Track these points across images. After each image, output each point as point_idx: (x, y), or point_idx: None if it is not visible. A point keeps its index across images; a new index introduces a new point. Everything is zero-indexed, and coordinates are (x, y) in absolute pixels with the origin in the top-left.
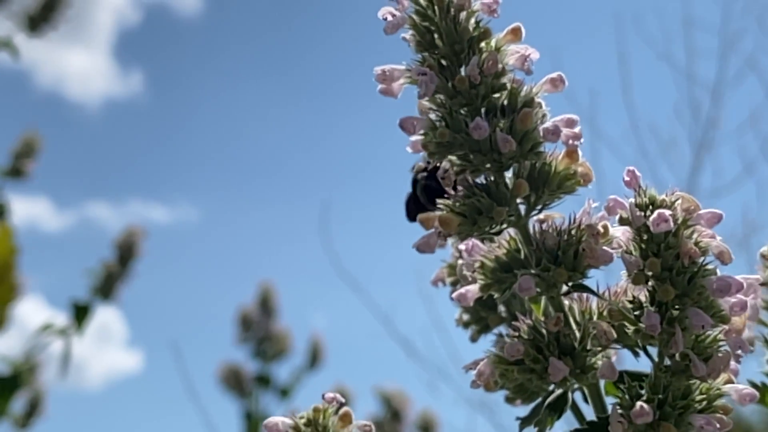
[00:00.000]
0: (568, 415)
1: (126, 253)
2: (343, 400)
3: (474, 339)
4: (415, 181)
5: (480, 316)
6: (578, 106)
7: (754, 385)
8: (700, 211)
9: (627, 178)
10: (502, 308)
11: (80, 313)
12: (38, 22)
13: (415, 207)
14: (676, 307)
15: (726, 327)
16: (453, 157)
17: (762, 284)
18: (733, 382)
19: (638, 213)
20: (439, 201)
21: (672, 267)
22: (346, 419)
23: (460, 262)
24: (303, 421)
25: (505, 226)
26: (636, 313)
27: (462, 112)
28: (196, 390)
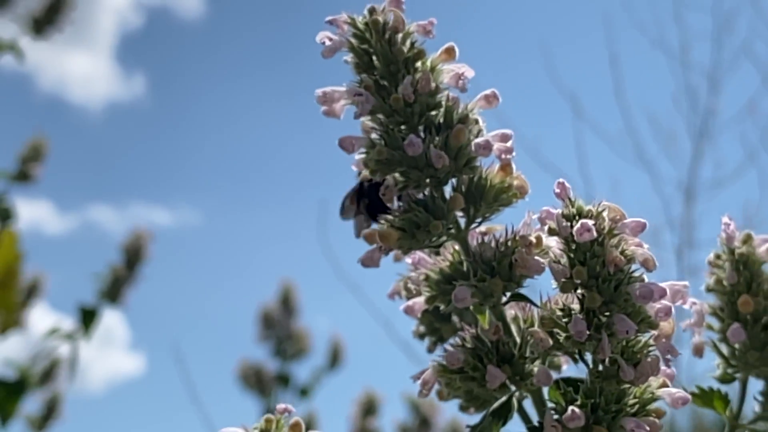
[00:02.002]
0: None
1: (133, 256)
2: (293, 410)
3: (430, 350)
4: (360, 187)
5: (435, 328)
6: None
7: (702, 389)
8: (625, 221)
9: (557, 190)
10: (456, 319)
11: (87, 317)
12: (43, 24)
13: (350, 205)
14: (605, 313)
15: (656, 332)
16: (396, 174)
17: (709, 290)
18: (668, 386)
19: (565, 223)
20: (380, 216)
21: (598, 275)
22: (296, 428)
23: (412, 275)
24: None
25: (445, 238)
26: (565, 320)
27: (401, 129)
28: (197, 393)
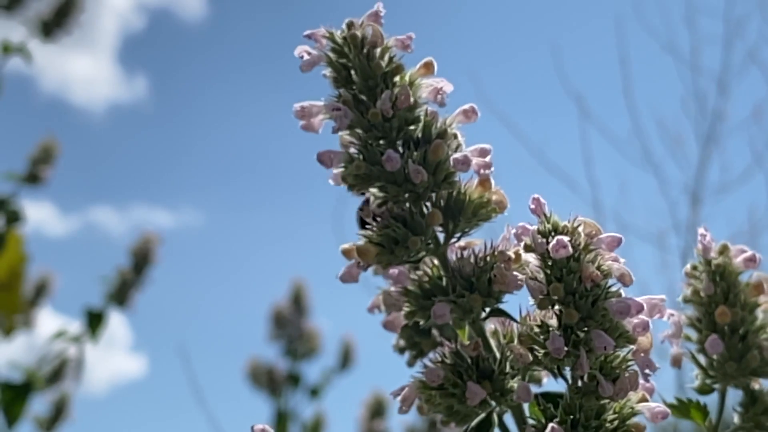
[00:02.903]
0: None
1: (141, 260)
2: (271, 430)
3: (411, 364)
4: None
5: (414, 342)
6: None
7: (680, 401)
8: (601, 236)
9: (532, 206)
10: (436, 333)
11: (94, 321)
12: (51, 27)
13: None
14: (584, 329)
15: (634, 347)
16: (374, 189)
17: (686, 301)
18: (647, 401)
19: (540, 240)
20: (358, 232)
21: (575, 291)
22: None
23: (392, 289)
24: None
25: (423, 254)
26: (543, 336)
27: (379, 144)
28: (203, 394)
